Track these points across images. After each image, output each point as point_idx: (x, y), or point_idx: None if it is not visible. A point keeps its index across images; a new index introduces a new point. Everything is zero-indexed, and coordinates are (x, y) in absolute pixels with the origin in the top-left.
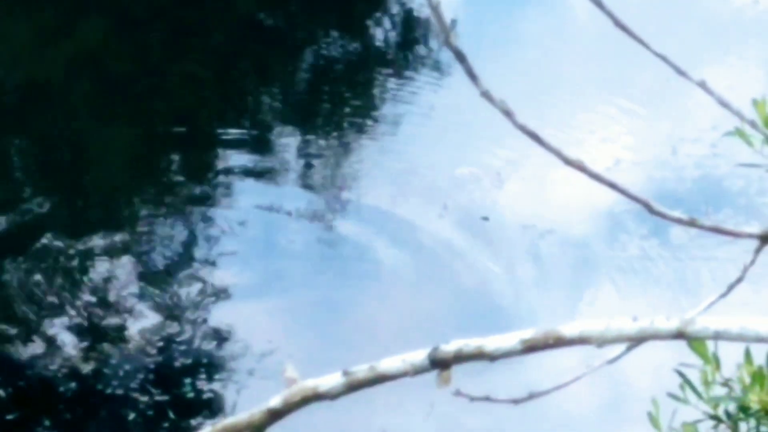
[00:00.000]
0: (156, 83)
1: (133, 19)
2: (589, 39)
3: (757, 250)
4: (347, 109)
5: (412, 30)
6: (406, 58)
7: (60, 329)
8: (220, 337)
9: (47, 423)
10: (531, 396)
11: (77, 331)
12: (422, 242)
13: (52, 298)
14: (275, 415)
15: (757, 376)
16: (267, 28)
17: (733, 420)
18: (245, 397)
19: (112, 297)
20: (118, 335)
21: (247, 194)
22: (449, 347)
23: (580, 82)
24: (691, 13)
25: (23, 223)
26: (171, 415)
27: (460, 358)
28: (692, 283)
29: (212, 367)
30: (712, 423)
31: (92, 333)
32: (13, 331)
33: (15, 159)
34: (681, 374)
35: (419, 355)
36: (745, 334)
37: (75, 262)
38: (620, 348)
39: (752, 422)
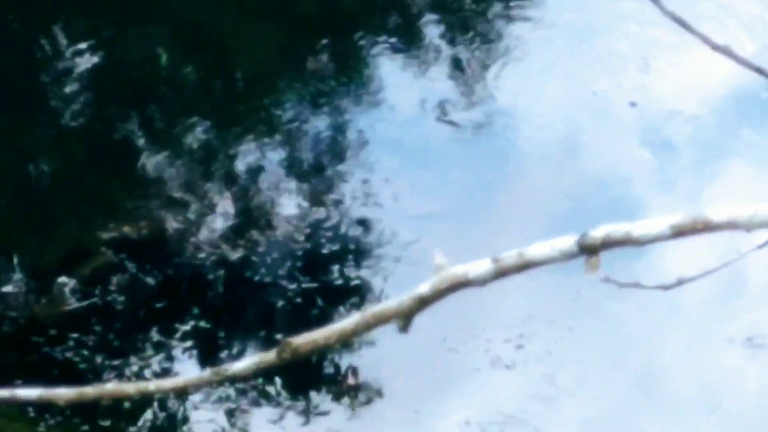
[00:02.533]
0: None
1: None
2: None
3: None
4: None
5: None
6: None
7: (208, 218)
8: (367, 224)
9: (195, 311)
10: (680, 282)
11: (225, 218)
12: (568, 127)
13: (199, 187)
14: (424, 301)
15: None
16: None
17: None
18: (392, 284)
19: (259, 185)
20: (265, 222)
21: (393, 83)
22: (598, 233)
23: None
24: None
25: (168, 111)
26: (319, 302)
27: (609, 243)
28: None
29: (359, 254)
30: None
31: (240, 221)
32: (161, 220)
33: (158, 47)
34: None
35: (567, 241)
36: None
37: (222, 150)
38: (763, 236)
39: None
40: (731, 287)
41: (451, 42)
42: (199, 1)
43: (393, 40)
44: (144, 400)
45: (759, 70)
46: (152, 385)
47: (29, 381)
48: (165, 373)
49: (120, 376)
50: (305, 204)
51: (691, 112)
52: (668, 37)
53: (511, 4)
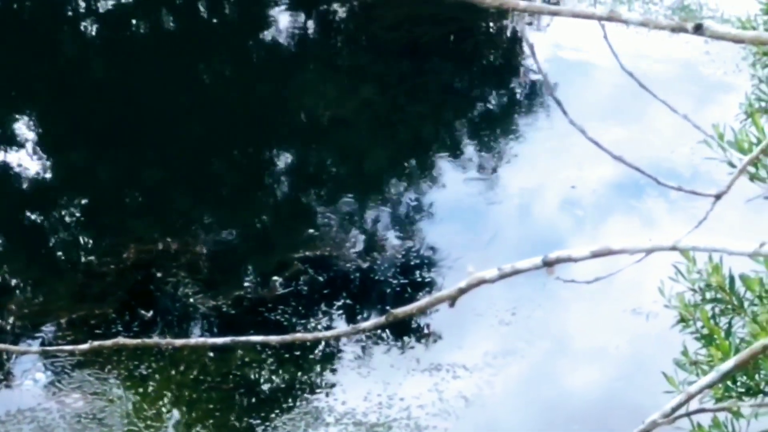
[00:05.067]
0: None
1: None
2: None
3: None
4: None
5: None
6: None
7: (349, 246)
8: (434, 250)
9: (344, 294)
10: (596, 279)
11: (358, 246)
12: (540, 198)
13: (343, 232)
14: (462, 291)
15: (716, 268)
16: None
17: (702, 290)
18: (446, 281)
19: (373, 231)
20: (380, 248)
21: (449, 176)
22: (552, 254)
23: None
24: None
25: (337, 192)
26: (409, 290)
27: (559, 260)
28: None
29: (430, 265)
30: (692, 292)
31: (366, 247)
32: (327, 248)
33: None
34: (675, 267)
35: (536, 259)
36: (709, 247)
37: (357, 211)
38: (641, 255)
39: (713, 293)
40: (623, 282)
41: (480, 153)
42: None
43: (448, 153)
44: (316, 343)
45: (638, 170)
46: (320, 334)
47: (257, 332)
48: (328, 327)
49: (304, 329)
50: (401, 239)
51: (602, 190)
52: (594, 152)
53: (515, 138)
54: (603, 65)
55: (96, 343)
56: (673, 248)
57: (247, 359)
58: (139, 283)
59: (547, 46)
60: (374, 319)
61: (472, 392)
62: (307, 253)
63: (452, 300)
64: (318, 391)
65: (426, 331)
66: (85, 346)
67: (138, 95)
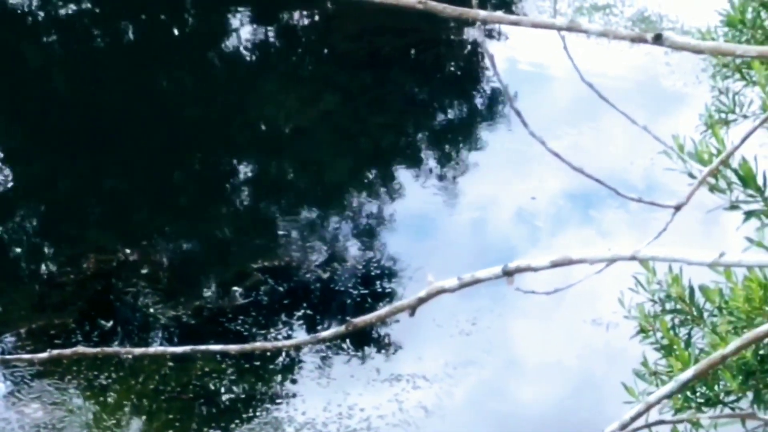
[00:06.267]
0: None
1: None
2: None
3: None
4: None
5: None
6: None
7: (310, 257)
8: (395, 261)
9: (304, 304)
10: (556, 290)
11: (319, 256)
12: (499, 209)
13: (304, 243)
14: (422, 300)
15: (675, 279)
16: None
17: (662, 301)
18: (407, 290)
19: (337, 242)
20: (341, 259)
21: (412, 192)
22: (512, 264)
23: None
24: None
25: (294, 203)
26: (369, 299)
27: (519, 270)
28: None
29: (391, 275)
30: (652, 303)
31: (329, 256)
32: (287, 258)
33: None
34: (635, 278)
35: (496, 269)
36: (669, 257)
37: (322, 223)
38: (601, 266)
39: (672, 303)
40: (583, 293)
41: (441, 163)
42: (321, 150)
43: (409, 164)
44: (276, 353)
45: (598, 181)
46: (279, 343)
47: (217, 342)
48: (288, 337)
49: (263, 338)
50: (362, 249)
51: (562, 201)
52: (554, 163)
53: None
54: (563, 76)
55: (55, 352)
56: (633, 258)
57: (206, 369)
58: (99, 293)
59: (508, 56)
60: (334, 329)
61: (432, 402)
62: (267, 264)
63: (412, 309)
64: (278, 401)
65: (386, 341)
66: (44, 355)
67: (98, 105)
